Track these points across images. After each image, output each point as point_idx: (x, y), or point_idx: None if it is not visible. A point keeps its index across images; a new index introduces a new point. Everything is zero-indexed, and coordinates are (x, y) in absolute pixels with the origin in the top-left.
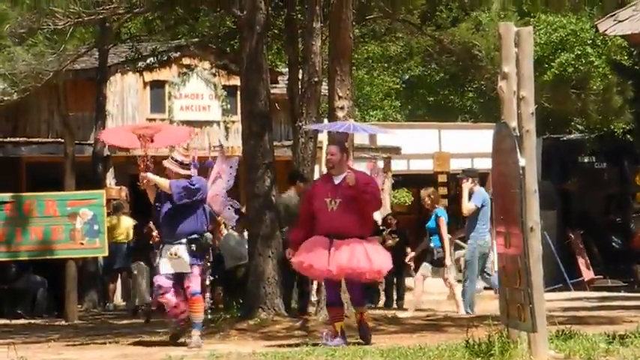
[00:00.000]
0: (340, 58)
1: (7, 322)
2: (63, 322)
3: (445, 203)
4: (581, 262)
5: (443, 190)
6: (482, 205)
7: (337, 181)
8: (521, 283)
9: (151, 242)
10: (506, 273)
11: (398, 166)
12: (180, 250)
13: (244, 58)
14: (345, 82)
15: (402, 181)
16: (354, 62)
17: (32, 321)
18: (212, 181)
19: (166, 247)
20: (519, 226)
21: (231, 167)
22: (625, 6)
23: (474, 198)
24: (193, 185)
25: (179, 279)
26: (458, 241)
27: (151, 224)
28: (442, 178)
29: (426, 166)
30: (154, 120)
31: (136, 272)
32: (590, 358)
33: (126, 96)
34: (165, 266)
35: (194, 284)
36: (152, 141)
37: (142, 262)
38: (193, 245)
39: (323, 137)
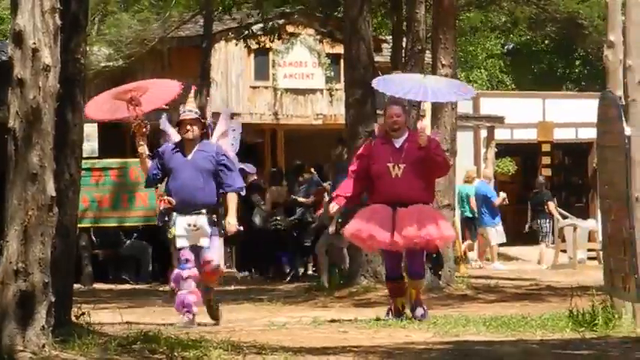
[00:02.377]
0: (444, 26)
1: (113, 287)
2: (167, 288)
3: (549, 174)
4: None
5: (546, 160)
6: None
7: (398, 144)
8: (625, 253)
9: (162, 208)
10: (610, 242)
11: (501, 135)
12: (200, 220)
13: (348, 26)
14: (449, 50)
15: (506, 150)
16: (458, 31)
17: (137, 286)
18: (216, 140)
19: (183, 219)
20: (624, 196)
21: (234, 130)
22: None
23: None
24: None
25: (195, 252)
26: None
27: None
28: (546, 148)
29: (529, 135)
30: (258, 88)
31: None
32: None
33: (230, 64)
34: (184, 239)
35: (216, 257)
36: (139, 104)
37: None
38: (214, 215)
39: (427, 106)
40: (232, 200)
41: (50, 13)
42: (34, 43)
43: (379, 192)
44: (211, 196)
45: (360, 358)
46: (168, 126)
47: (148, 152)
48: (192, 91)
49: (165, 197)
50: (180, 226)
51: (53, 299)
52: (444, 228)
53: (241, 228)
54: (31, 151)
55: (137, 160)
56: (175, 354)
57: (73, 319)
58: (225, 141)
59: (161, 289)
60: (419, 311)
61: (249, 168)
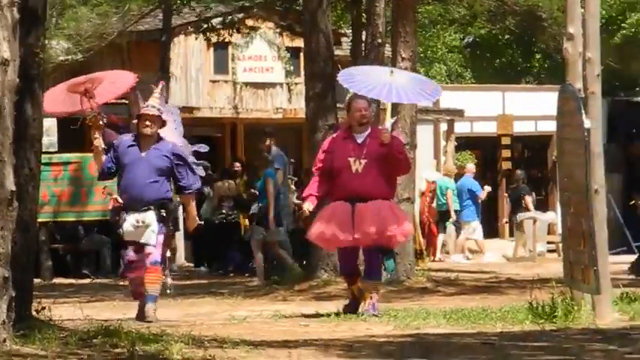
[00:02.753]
0: (403, 19)
1: (73, 281)
2: (127, 282)
3: (508, 166)
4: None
5: (506, 153)
6: None
7: (360, 139)
8: (585, 245)
9: (112, 207)
10: (570, 235)
11: (461, 128)
12: (149, 217)
13: (307, 19)
14: (409, 43)
15: (466, 143)
16: (417, 24)
17: (97, 280)
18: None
19: (132, 216)
20: (584, 189)
21: (172, 113)
22: None
23: None
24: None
25: (141, 248)
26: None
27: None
28: (505, 141)
29: (489, 128)
30: (217, 82)
31: None
32: None
33: (189, 58)
34: (129, 233)
35: (156, 253)
36: (93, 96)
37: None
38: (163, 211)
39: (388, 103)
40: (188, 202)
41: (9, 7)
42: None
43: (339, 187)
44: (161, 193)
45: (321, 351)
46: (140, 99)
47: (103, 146)
48: (160, 86)
49: (114, 196)
50: (129, 223)
51: (13, 294)
52: (403, 223)
53: (202, 222)
54: None
55: None
56: (136, 348)
57: (34, 313)
58: (169, 128)
59: (121, 283)
60: (370, 309)
61: (203, 148)
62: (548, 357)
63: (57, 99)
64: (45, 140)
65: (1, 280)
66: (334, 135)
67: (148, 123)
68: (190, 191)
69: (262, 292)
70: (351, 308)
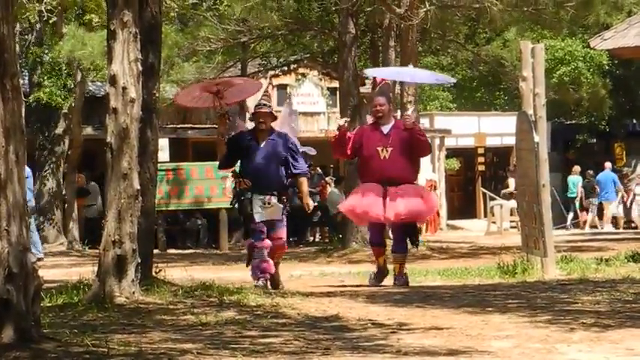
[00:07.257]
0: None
1: (180, 251)
2: (217, 252)
3: (482, 169)
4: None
5: (481, 160)
6: None
7: (385, 130)
8: (536, 223)
9: (239, 189)
10: (526, 216)
11: (449, 142)
12: (273, 199)
13: (341, 68)
14: (412, 84)
15: (453, 153)
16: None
17: (196, 250)
18: (279, 128)
19: (258, 197)
20: (535, 183)
21: (292, 115)
22: (609, 29)
23: None
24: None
25: (267, 226)
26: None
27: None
28: (480, 151)
29: (469, 142)
30: (279, 111)
31: None
32: (585, 275)
33: (259, 95)
34: (260, 215)
35: (284, 234)
36: (223, 97)
37: None
38: (284, 196)
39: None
40: (304, 183)
41: (134, 62)
42: (124, 83)
43: (370, 172)
44: (281, 179)
45: (352, 299)
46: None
47: (225, 139)
48: (266, 86)
49: (244, 180)
50: (257, 204)
51: (139, 260)
52: (428, 199)
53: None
54: (123, 158)
55: (196, 163)
56: (224, 297)
57: (153, 274)
58: (288, 125)
59: (213, 252)
60: (400, 280)
61: (311, 151)
62: (510, 300)
63: (191, 94)
64: (160, 154)
65: (130, 251)
66: (363, 126)
67: (262, 120)
68: (301, 171)
69: (311, 257)
70: (380, 278)
